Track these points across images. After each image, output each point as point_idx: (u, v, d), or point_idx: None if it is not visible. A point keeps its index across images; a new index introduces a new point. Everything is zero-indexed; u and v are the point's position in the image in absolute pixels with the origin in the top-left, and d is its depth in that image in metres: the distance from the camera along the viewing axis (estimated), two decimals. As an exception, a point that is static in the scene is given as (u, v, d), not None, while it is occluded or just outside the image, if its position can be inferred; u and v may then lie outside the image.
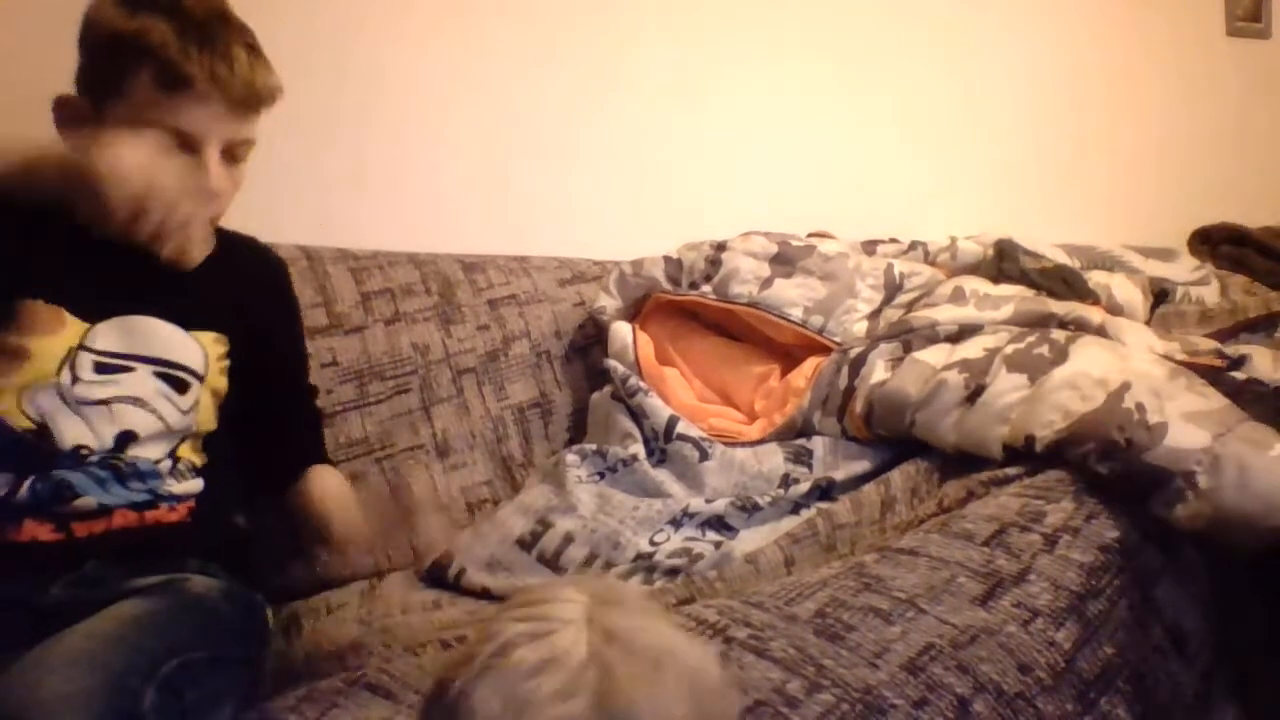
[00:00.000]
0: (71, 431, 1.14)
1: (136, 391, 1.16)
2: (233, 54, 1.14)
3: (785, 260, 1.87)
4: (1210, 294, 2.24)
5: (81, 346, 1.15)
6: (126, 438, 1.16)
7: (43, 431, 1.13)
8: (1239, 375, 1.48)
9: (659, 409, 1.70)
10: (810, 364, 1.76)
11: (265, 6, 1.81)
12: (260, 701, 1.07)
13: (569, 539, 1.48)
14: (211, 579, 1.17)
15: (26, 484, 1.11)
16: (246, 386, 1.28)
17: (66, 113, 1.16)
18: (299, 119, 1.84)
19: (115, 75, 1.12)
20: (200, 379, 1.22)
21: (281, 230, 1.68)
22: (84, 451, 1.14)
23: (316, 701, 1.02)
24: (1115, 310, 1.84)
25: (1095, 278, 1.93)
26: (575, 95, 2.13)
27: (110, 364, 1.16)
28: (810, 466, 1.62)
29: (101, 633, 0.97)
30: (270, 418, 1.33)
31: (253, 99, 1.17)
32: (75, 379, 1.14)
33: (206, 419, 1.24)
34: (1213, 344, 1.62)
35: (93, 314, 1.16)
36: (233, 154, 1.18)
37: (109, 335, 1.17)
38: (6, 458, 1.11)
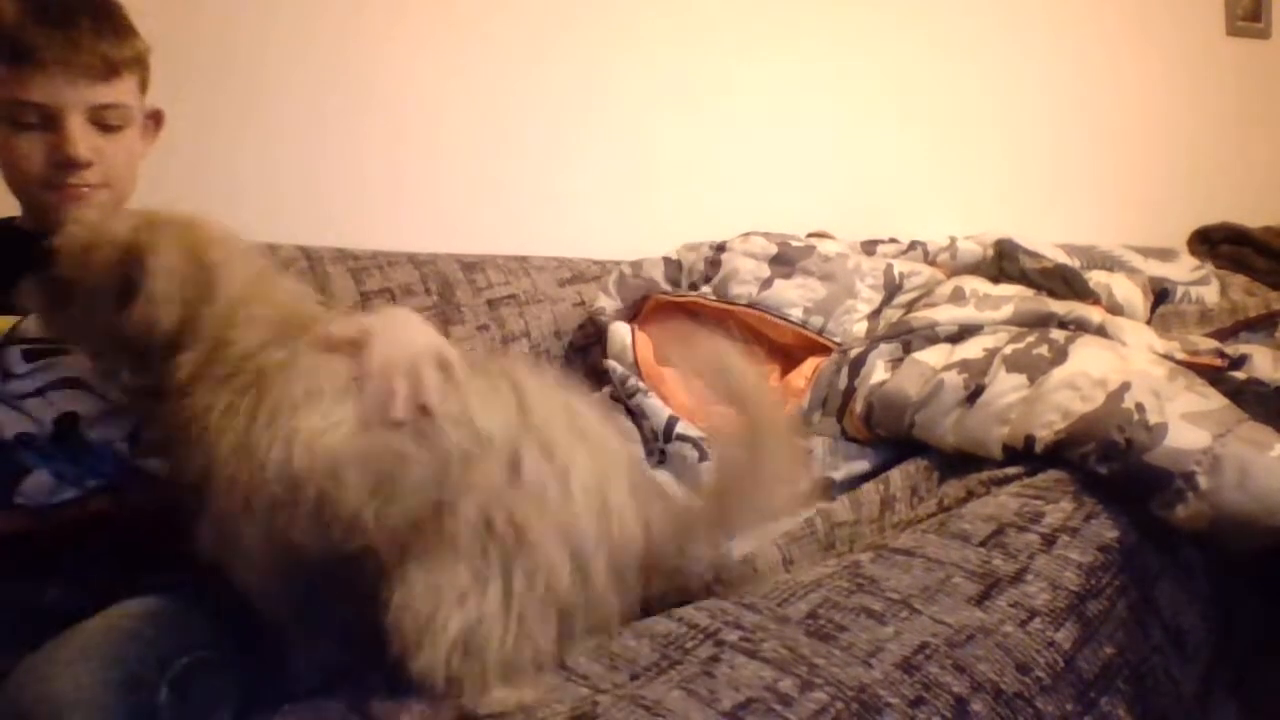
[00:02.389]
0: (11, 425, 1.15)
1: (72, 372, 1.18)
2: (74, 21, 1.15)
3: (785, 261, 1.87)
4: (1210, 294, 2.24)
5: (8, 340, 1.18)
6: (68, 419, 1.17)
7: None
8: (1239, 375, 1.48)
9: (658, 409, 1.69)
10: (810, 364, 1.76)
11: (262, 10, 1.83)
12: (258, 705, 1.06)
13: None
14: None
15: None
16: None
17: None
18: (297, 120, 1.85)
19: None
20: None
21: (281, 230, 1.69)
22: (25, 437, 1.16)
23: (319, 713, 1.01)
24: (1115, 310, 1.83)
25: (1095, 278, 1.92)
26: (574, 95, 2.13)
27: (43, 349, 1.18)
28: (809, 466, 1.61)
29: (115, 628, 0.98)
30: None
31: (102, 65, 1.17)
32: (6, 375, 1.16)
33: None
34: (1213, 344, 1.61)
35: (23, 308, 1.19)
36: (103, 121, 1.20)
37: (38, 324, 1.19)
38: None
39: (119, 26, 1.22)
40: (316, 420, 0.98)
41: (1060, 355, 1.46)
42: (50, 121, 1.17)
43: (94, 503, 1.17)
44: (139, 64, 1.24)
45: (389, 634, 0.95)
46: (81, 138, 1.17)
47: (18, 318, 1.19)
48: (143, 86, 1.26)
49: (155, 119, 1.32)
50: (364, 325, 1.07)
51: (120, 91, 1.21)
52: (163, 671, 0.94)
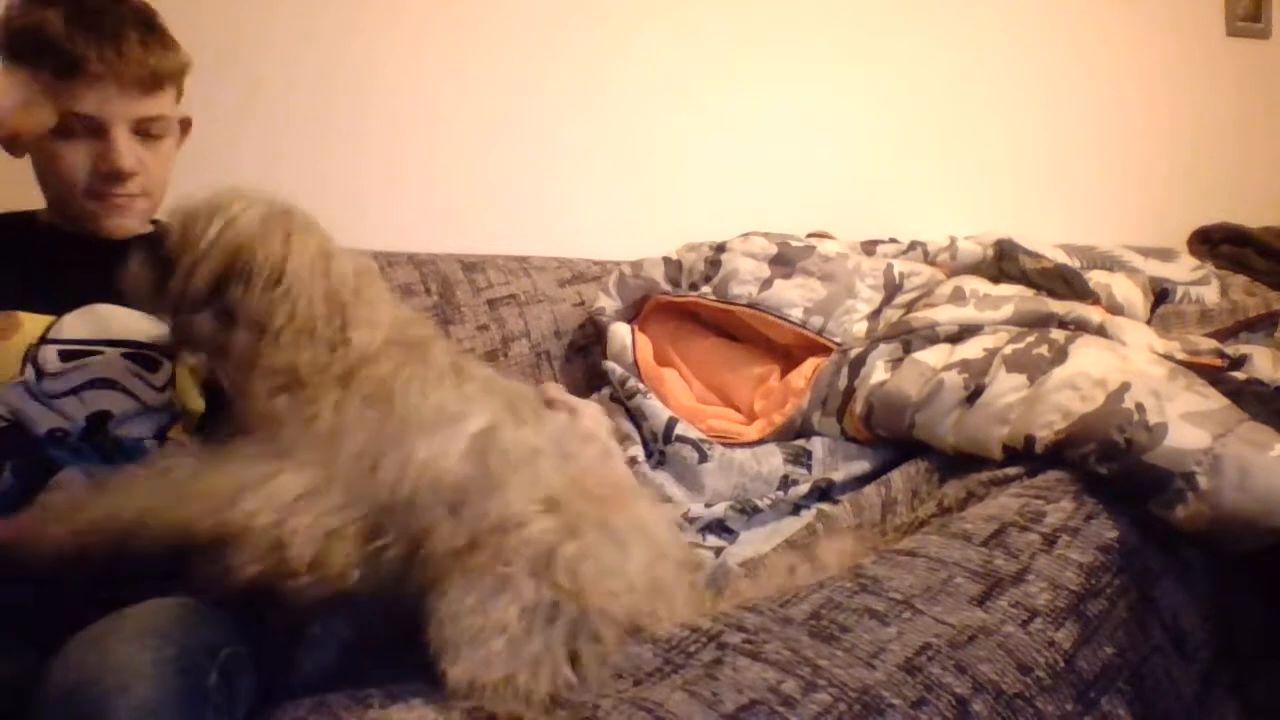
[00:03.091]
0: (44, 421, 1.17)
1: (105, 373, 1.21)
2: (123, 34, 1.18)
3: (785, 261, 1.87)
4: (1210, 294, 2.24)
5: (44, 340, 1.20)
6: (99, 418, 1.19)
7: (17, 424, 1.16)
8: (1239, 375, 1.48)
9: (658, 411, 1.69)
10: (810, 364, 1.76)
11: (262, 9, 1.82)
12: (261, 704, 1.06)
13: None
14: None
15: (7, 469, 1.14)
16: None
17: None
18: (297, 120, 1.85)
19: (23, 72, 1.18)
20: (171, 357, 1.26)
21: (281, 231, 1.68)
22: (59, 434, 1.17)
23: (322, 715, 1.01)
24: (1115, 310, 1.83)
25: (1095, 278, 1.92)
26: (575, 95, 2.13)
27: (77, 350, 1.20)
28: (809, 468, 1.61)
29: (163, 612, 0.98)
30: None
31: (148, 77, 1.20)
32: (40, 374, 1.18)
33: (189, 396, 1.26)
34: (1213, 344, 1.61)
35: (57, 307, 1.22)
36: (146, 132, 1.23)
37: (76, 324, 1.22)
38: None
39: (164, 39, 1.25)
40: (434, 448, 1.03)
41: (1060, 355, 1.46)
42: (97, 133, 1.20)
43: None
44: (180, 75, 1.27)
45: (427, 635, 0.99)
46: (127, 149, 1.21)
47: (53, 318, 1.22)
48: (178, 96, 1.30)
49: (184, 125, 1.35)
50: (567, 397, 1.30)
51: (162, 103, 1.24)
52: (212, 657, 0.95)
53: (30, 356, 1.19)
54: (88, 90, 1.17)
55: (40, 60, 1.17)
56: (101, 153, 1.21)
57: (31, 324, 1.21)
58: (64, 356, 1.20)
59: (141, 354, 1.23)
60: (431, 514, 1.02)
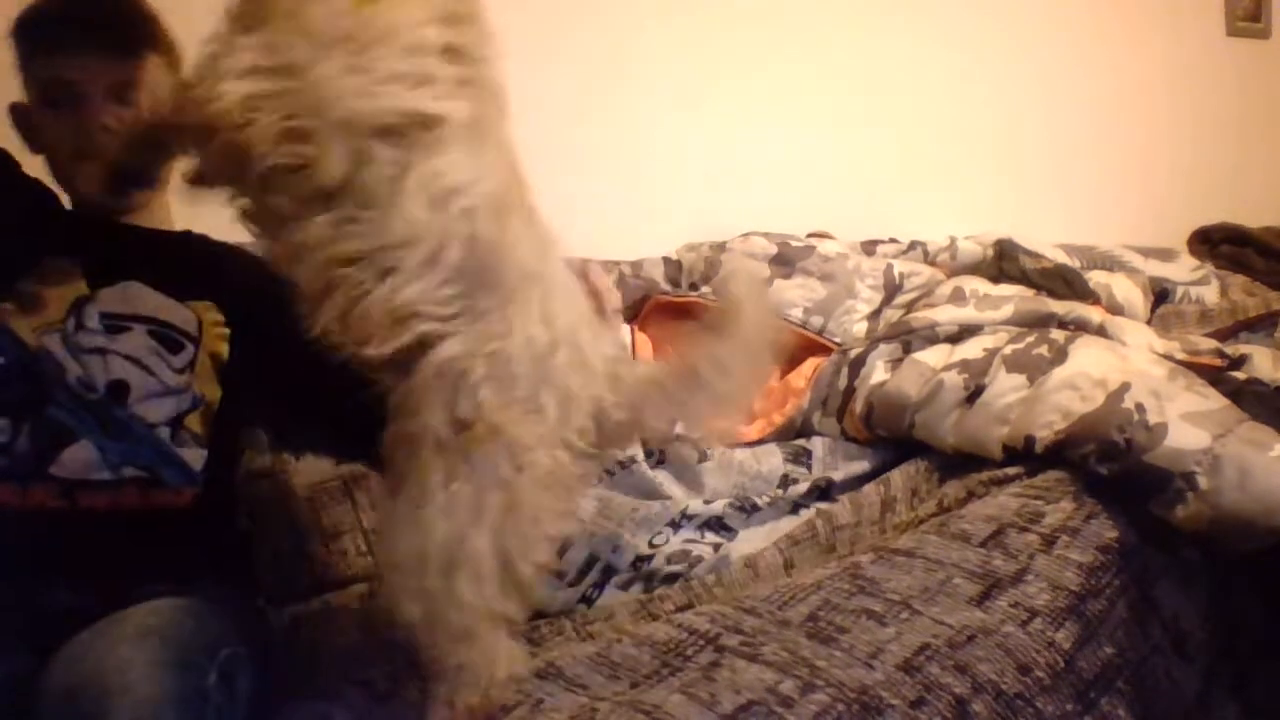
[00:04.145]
0: (72, 370, 1.20)
1: (130, 350, 1.23)
2: (99, 4, 1.27)
3: (785, 261, 1.87)
4: (1210, 294, 2.24)
5: (90, 299, 1.24)
6: (118, 387, 1.21)
7: (38, 375, 1.19)
8: (1239, 375, 1.48)
9: (658, 410, 1.69)
10: (809, 364, 1.76)
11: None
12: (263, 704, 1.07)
13: (567, 543, 1.47)
14: (220, 585, 1.17)
15: (24, 431, 1.15)
16: (279, 354, 1.26)
17: (17, 117, 1.31)
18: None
19: (21, 59, 1.27)
20: (195, 341, 1.27)
21: (281, 231, 1.68)
22: (84, 386, 1.19)
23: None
24: (1115, 310, 1.84)
25: (1095, 278, 1.92)
26: (575, 94, 2.12)
27: (109, 324, 1.23)
28: (809, 467, 1.61)
29: (162, 614, 0.99)
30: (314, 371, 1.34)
31: (122, 45, 1.26)
32: (80, 326, 1.22)
33: (207, 382, 1.26)
34: (1213, 344, 1.61)
35: (97, 280, 1.25)
36: (126, 98, 1.26)
37: (110, 298, 1.25)
38: (10, 387, 1.17)
39: (141, 13, 1.30)
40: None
41: (1060, 355, 1.46)
42: (79, 98, 1.24)
43: (125, 494, 1.18)
44: (163, 48, 1.30)
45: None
46: (104, 109, 1.24)
47: (92, 289, 1.25)
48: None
49: None
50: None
51: (144, 71, 1.27)
52: (212, 657, 0.96)
53: (77, 307, 1.23)
54: (63, 56, 1.24)
55: (33, 39, 1.25)
56: (83, 116, 1.25)
57: (81, 283, 1.26)
58: (104, 319, 1.24)
59: (166, 334, 1.25)
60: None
